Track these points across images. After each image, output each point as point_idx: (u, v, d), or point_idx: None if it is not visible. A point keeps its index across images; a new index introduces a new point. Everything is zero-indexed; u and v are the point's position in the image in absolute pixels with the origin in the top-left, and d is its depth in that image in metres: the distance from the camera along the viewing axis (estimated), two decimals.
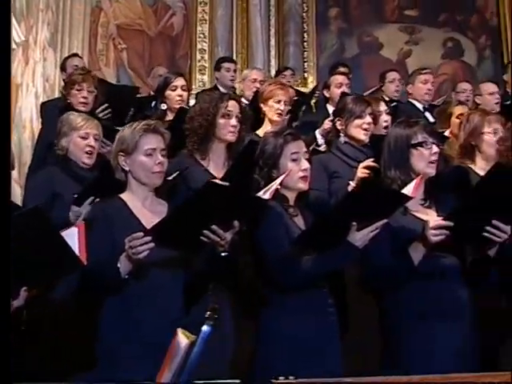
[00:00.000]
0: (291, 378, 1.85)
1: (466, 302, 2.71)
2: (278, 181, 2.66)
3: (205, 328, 1.77)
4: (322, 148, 4.08)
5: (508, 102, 6.02)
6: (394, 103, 5.67)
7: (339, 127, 3.69)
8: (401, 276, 2.63)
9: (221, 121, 3.25)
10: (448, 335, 2.62)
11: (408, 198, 2.58)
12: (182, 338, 1.72)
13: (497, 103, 5.29)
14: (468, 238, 2.65)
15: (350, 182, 3.34)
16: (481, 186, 2.64)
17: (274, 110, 4.19)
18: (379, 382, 2.00)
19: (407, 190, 2.61)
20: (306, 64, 7.77)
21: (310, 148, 3.48)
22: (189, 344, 1.70)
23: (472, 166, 3.54)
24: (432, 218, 2.70)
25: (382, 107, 3.96)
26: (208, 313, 1.80)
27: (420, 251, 2.61)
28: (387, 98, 5.80)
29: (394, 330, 2.69)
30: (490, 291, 2.86)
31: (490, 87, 5.50)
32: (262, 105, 4.25)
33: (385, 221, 2.53)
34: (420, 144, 2.77)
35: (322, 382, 2.03)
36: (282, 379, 1.85)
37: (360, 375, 1.98)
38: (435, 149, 2.78)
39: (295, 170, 2.78)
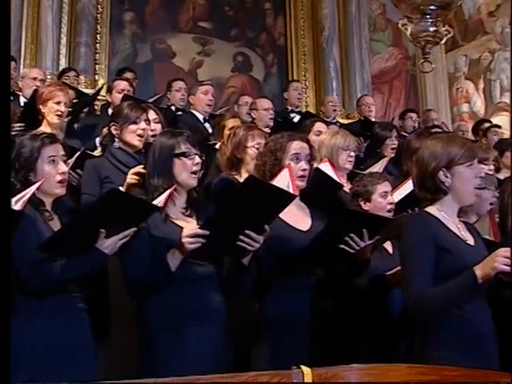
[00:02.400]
0: None
1: (220, 307, 2.81)
2: (33, 188, 2.59)
3: None
4: (97, 153, 4.05)
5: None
6: (179, 112, 5.80)
7: (114, 132, 3.68)
8: (158, 281, 2.67)
9: None
10: (202, 339, 2.70)
11: (157, 208, 2.65)
12: None
13: (271, 119, 5.50)
14: (223, 247, 2.73)
15: (121, 188, 3.36)
16: (234, 197, 2.77)
17: (54, 111, 4.14)
18: None
19: (158, 201, 2.67)
20: (97, 66, 7.62)
21: (80, 151, 3.45)
22: None
23: (238, 178, 3.68)
24: (191, 226, 2.78)
25: (152, 116, 3.94)
26: None
27: (177, 258, 2.65)
28: (173, 107, 5.94)
29: (151, 333, 2.72)
30: (243, 297, 3.03)
31: (265, 103, 5.68)
32: (41, 106, 4.18)
33: (134, 229, 2.58)
34: (183, 154, 2.84)
35: None
36: None
37: (119, 379, 2.00)
38: (197, 159, 2.85)
39: (52, 174, 2.75)
